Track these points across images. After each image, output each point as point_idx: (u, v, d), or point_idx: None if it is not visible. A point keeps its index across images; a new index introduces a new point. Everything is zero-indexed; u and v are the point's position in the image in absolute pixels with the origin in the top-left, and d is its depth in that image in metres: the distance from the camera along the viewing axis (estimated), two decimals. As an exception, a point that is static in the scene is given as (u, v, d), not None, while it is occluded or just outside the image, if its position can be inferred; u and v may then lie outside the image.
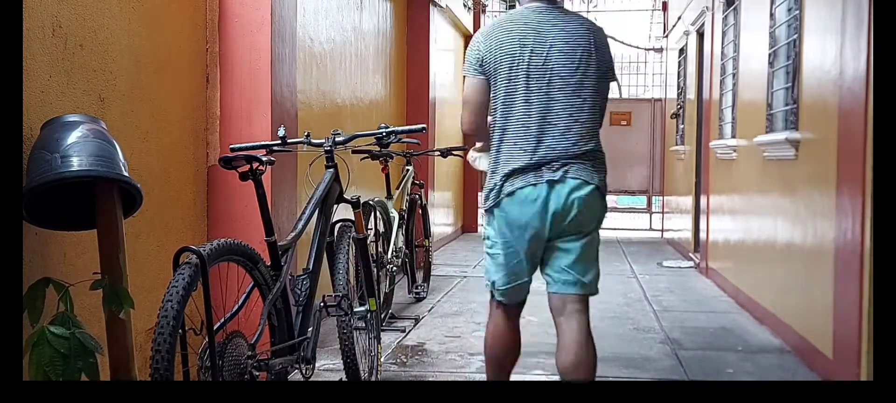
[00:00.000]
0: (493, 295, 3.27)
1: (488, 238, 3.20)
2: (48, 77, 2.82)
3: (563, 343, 3.12)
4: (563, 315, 3.13)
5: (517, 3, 3.24)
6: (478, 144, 3.37)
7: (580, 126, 3.11)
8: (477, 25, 11.94)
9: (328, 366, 4.39)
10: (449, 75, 10.46)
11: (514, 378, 4.31)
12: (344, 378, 3.82)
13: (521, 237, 3.07)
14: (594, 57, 3.11)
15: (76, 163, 2.55)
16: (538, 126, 3.05)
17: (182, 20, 3.91)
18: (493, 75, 3.10)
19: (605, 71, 3.17)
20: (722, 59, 7.56)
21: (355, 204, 3.89)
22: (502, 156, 3.08)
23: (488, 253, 3.22)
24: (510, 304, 3.28)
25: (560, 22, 3.10)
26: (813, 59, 4.75)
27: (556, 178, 3.03)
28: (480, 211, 12.44)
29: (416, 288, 6.44)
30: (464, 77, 3.27)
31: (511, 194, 3.04)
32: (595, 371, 3.15)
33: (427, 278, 6.71)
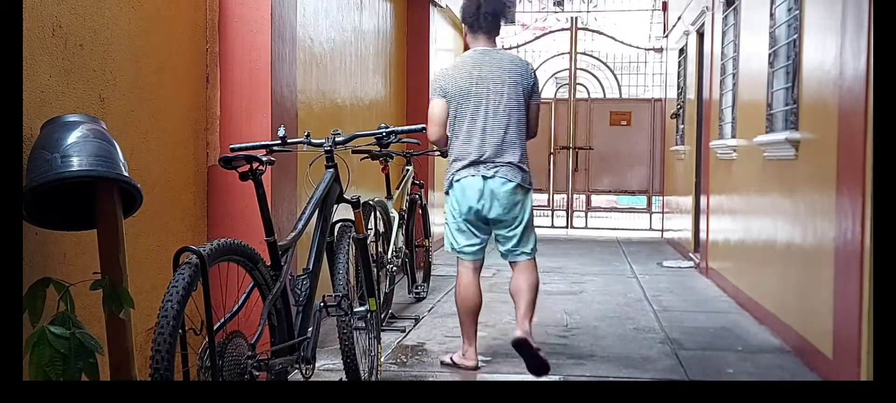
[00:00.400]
0: (458, 257, 4.47)
1: (445, 211, 4.46)
2: (48, 77, 2.82)
3: (513, 278, 4.51)
4: (517, 267, 4.49)
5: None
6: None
7: (508, 139, 4.30)
8: (477, 25, 11.93)
9: (328, 366, 4.39)
10: (449, 75, 10.44)
11: (513, 378, 4.33)
12: (344, 378, 3.82)
13: (468, 212, 4.34)
14: (519, 86, 4.34)
15: (76, 163, 2.55)
16: (479, 137, 4.29)
17: (182, 20, 3.91)
18: (450, 100, 4.34)
19: (528, 96, 4.38)
20: (722, 59, 7.56)
21: (355, 204, 3.89)
22: (454, 155, 4.36)
23: (448, 226, 4.44)
24: (473, 261, 4.46)
25: (495, 61, 4.37)
26: (813, 59, 4.75)
27: (488, 175, 4.28)
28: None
29: (416, 288, 6.44)
30: (429, 99, 4.46)
31: (458, 181, 4.33)
32: (538, 287, 4.48)
33: (427, 278, 6.71)
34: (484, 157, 4.27)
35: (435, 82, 4.48)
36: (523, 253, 4.43)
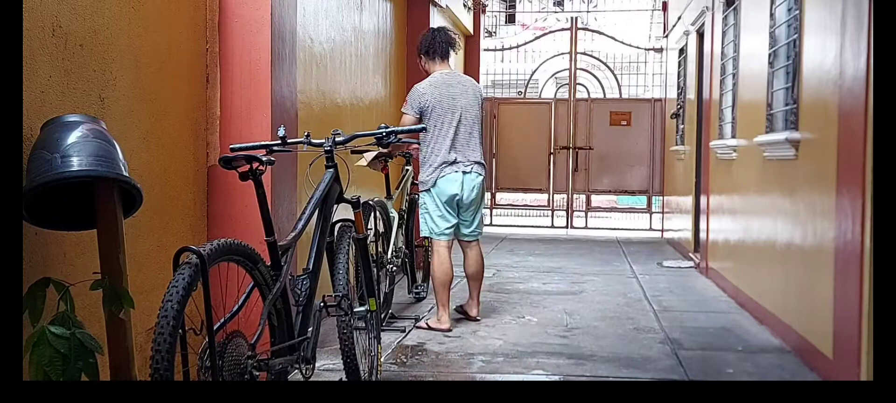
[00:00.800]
0: (432, 239, 5.45)
1: (425, 205, 5.40)
2: (48, 77, 2.82)
3: (469, 260, 5.61)
4: (469, 248, 5.58)
5: (433, 65, 5.55)
6: (371, 154, 5.44)
7: (472, 143, 5.39)
8: (477, 25, 11.95)
9: (328, 366, 4.39)
10: (449, 75, 10.45)
11: (514, 378, 4.33)
12: (344, 378, 3.82)
13: (449, 200, 5.35)
14: (478, 100, 5.48)
15: (76, 163, 2.55)
16: (452, 141, 5.32)
17: (182, 20, 3.91)
18: (429, 114, 5.29)
19: (481, 108, 5.51)
20: (722, 59, 7.56)
21: (355, 204, 3.89)
22: (433, 158, 5.32)
23: (430, 215, 5.39)
24: (448, 240, 5.43)
25: (460, 81, 5.50)
26: (813, 59, 4.75)
27: (466, 171, 5.36)
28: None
29: (416, 287, 6.44)
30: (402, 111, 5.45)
31: (443, 177, 5.31)
32: (483, 270, 5.72)
33: (426, 278, 6.71)
34: (459, 158, 5.33)
35: (414, 99, 5.34)
36: (479, 232, 5.60)
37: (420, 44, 5.59)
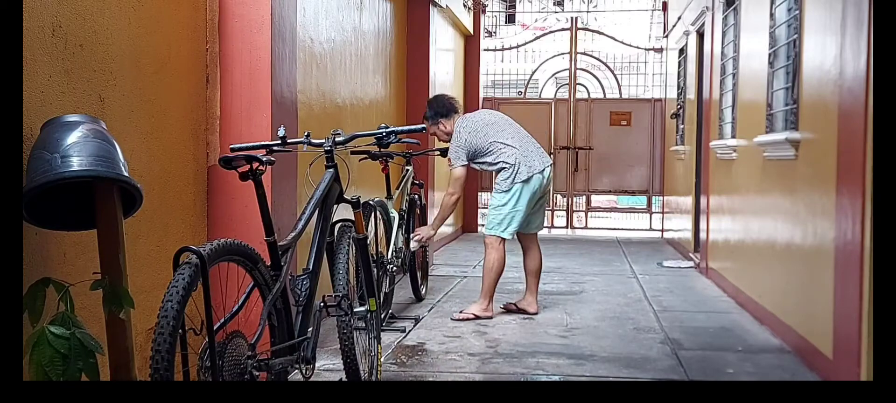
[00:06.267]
0: (499, 237, 5.75)
1: (509, 202, 5.69)
2: (48, 77, 2.82)
3: (535, 255, 6.02)
4: (535, 242, 6.04)
5: (456, 113, 6.01)
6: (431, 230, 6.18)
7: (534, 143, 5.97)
8: (477, 25, 11.93)
9: (328, 366, 4.39)
10: (449, 75, 10.46)
11: (514, 378, 4.33)
12: (344, 378, 3.82)
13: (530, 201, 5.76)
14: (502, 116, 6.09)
15: (76, 163, 2.55)
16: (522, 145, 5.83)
17: (182, 20, 3.91)
18: (481, 150, 5.72)
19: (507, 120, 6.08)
20: (722, 59, 7.56)
21: (355, 204, 3.89)
22: (521, 170, 5.70)
23: (513, 211, 5.69)
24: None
25: (476, 115, 6.08)
26: (813, 59, 4.75)
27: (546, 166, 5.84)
28: (480, 212, 12.45)
29: (421, 277, 6.45)
30: (449, 159, 5.84)
31: (527, 180, 5.70)
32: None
33: (425, 278, 6.71)
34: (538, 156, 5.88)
35: (460, 148, 5.74)
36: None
37: (433, 112, 5.95)
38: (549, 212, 13.11)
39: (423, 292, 6.54)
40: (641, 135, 12.48)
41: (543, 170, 5.72)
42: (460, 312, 5.81)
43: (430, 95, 8.93)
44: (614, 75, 13.74)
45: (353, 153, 4.82)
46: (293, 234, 3.36)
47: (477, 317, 5.69)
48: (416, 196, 6.41)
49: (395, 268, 5.72)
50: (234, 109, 4.20)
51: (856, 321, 3.86)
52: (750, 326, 5.70)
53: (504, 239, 5.72)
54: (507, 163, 5.67)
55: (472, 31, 11.80)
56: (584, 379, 4.37)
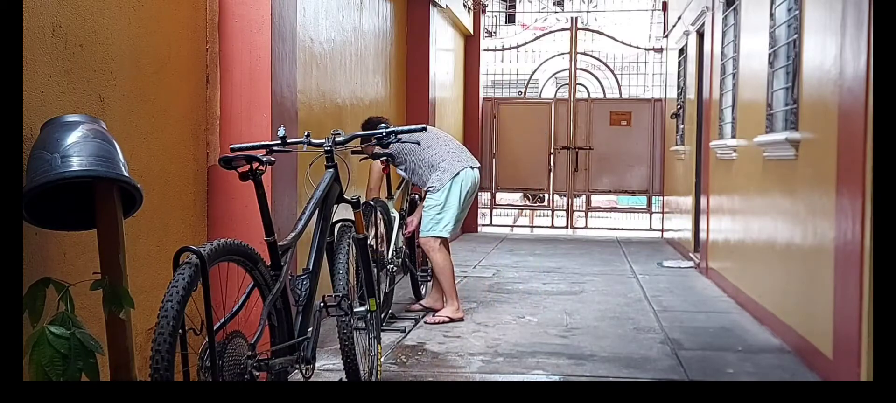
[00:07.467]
0: (437, 238, 5.66)
1: (444, 202, 5.62)
2: (48, 77, 2.83)
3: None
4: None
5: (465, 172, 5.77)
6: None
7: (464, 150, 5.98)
8: (477, 25, 11.92)
9: (328, 366, 4.39)
10: (449, 75, 10.46)
11: (514, 378, 4.33)
12: (344, 378, 3.82)
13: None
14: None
15: (76, 163, 2.55)
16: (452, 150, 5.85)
17: (182, 20, 3.91)
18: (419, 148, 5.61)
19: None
20: (722, 59, 7.56)
21: (355, 204, 3.89)
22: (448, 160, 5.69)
23: (446, 211, 5.62)
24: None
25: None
26: (813, 59, 4.75)
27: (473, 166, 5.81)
28: (480, 212, 12.47)
29: (424, 272, 6.44)
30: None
31: (464, 169, 5.67)
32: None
33: (426, 277, 6.69)
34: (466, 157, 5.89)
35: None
36: None
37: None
38: (550, 212, 13.13)
39: (424, 292, 6.53)
40: (641, 135, 12.47)
41: (474, 167, 5.77)
42: (433, 315, 5.74)
43: (430, 95, 8.96)
44: (614, 75, 13.73)
45: (353, 153, 4.82)
46: (293, 234, 3.36)
47: (451, 320, 5.64)
48: (417, 196, 6.40)
49: (395, 268, 5.72)
50: (234, 109, 4.20)
51: (856, 321, 3.86)
52: (750, 326, 5.70)
53: (443, 239, 5.69)
54: (439, 165, 5.68)
55: (471, 31, 11.80)
56: (584, 379, 4.37)
